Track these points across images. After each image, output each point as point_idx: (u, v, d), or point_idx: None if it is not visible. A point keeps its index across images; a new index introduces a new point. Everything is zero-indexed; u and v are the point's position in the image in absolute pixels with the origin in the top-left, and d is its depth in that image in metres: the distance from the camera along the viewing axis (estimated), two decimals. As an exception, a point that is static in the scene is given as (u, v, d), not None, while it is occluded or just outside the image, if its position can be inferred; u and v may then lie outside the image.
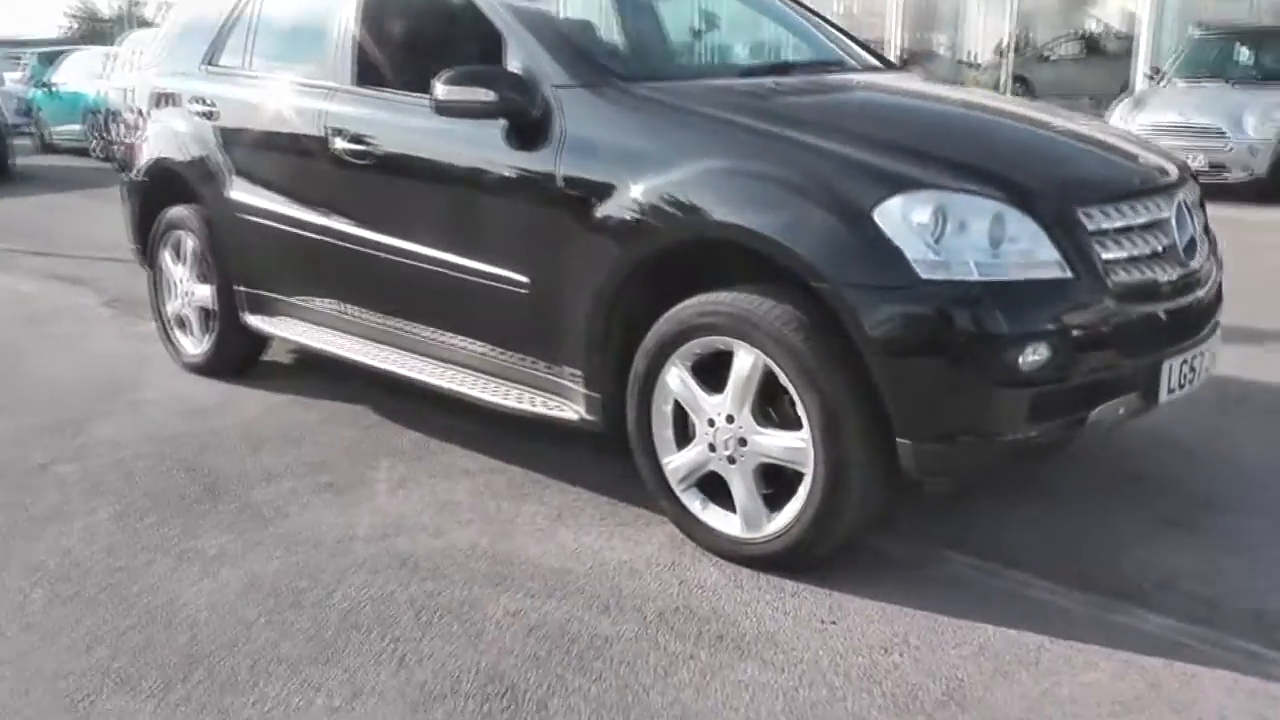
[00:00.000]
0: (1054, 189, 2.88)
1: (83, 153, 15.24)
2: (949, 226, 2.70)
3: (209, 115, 4.57)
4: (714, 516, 3.10)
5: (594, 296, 3.20)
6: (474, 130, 3.42)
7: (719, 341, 2.97)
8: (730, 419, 2.97)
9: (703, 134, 3.10)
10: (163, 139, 4.83)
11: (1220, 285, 3.37)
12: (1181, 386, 3.07)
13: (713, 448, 3.03)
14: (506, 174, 3.39)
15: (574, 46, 3.50)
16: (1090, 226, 2.84)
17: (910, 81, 4.28)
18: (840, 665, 2.59)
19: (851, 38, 4.48)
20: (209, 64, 4.73)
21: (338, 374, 4.46)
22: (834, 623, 2.77)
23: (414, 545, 3.20)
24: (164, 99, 4.89)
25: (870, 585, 2.96)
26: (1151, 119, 10.50)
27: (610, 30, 4.09)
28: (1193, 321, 3.14)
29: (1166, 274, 3.02)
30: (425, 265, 3.68)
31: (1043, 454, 2.90)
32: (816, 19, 4.53)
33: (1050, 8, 20.55)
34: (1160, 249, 3.02)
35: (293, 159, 4.17)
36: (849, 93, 3.74)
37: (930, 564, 3.10)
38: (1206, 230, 3.37)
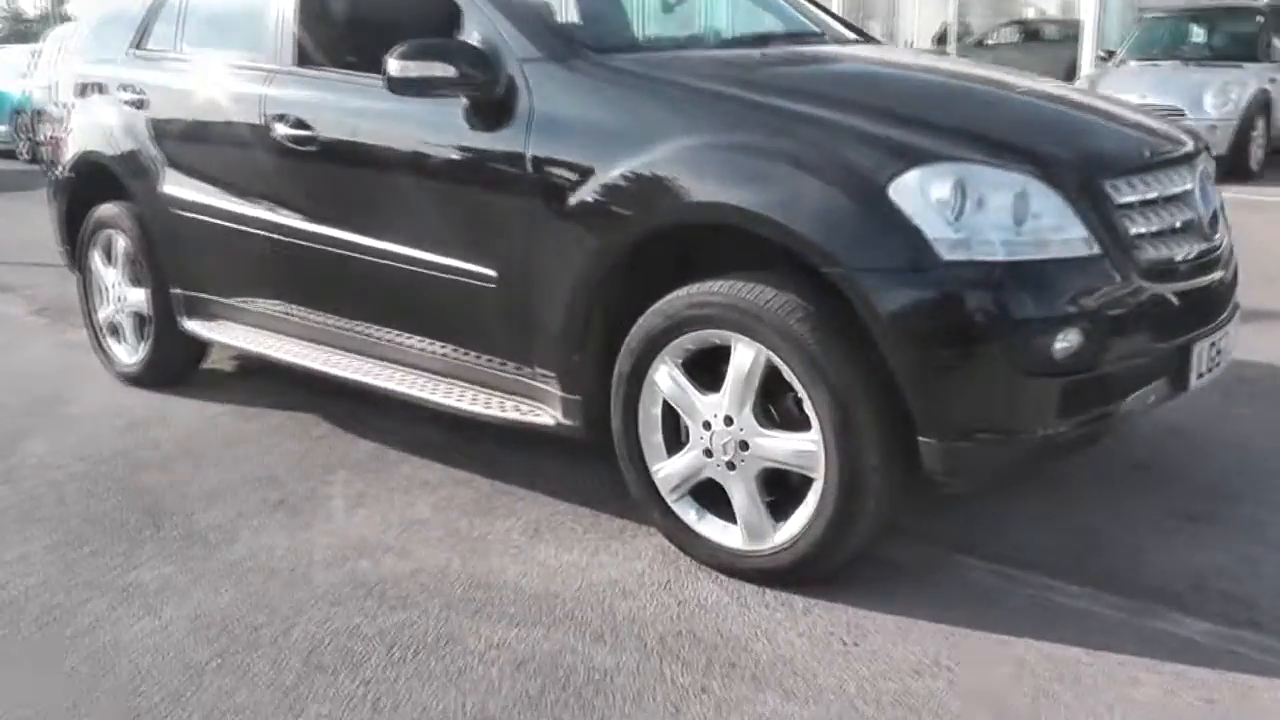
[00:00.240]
0: (1078, 160, 2.64)
1: (9, 155, 14.77)
2: (970, 202, 2.45)
3: (138, 104, 4.22)
4: (712, 528, 2.83)
5: (570, 290, 2.91)
6: (431, 110, 3.12)
7: (714, 336, 2.70)
8: (729, 421, 2.70)
9: (689, 107, 2.81)
10: (89, 131, 4.46)
11: (1237, 263, 3.16)
12: (1209, 370, 2.86)
13: (709, 453, 2.76)
14: (469, 157, 3.09)
15: (539, 17, 3.19)
16: (1117, 200, 2.61)
17: (900, 53, 4.04)
18: (871, 693, 2.32)
19: (825, 10, 4.22)
20: (137, 48, 4.37)
21: (284, 381, 4.12)
22: (855, 644, 2.51)
23: (379, 570, 2.90)
24: (90, 88, 4.52)
25: (884, 598, 2.70)
26: (1108, 100, 10.38)
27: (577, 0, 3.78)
28: (1218, 300, 2.93)
29: (1193, 249, 2.80)
30: (379, 260, 3.37)
31: (1072, 451, 2.66)
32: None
33: (988, -6, 20.65)
34: (1186, 223, 2.80)
35: (231, 148, 3.83)
36: (842, 63, 3.47)
37: (942, 570, 2.86)
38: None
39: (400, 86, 3.01)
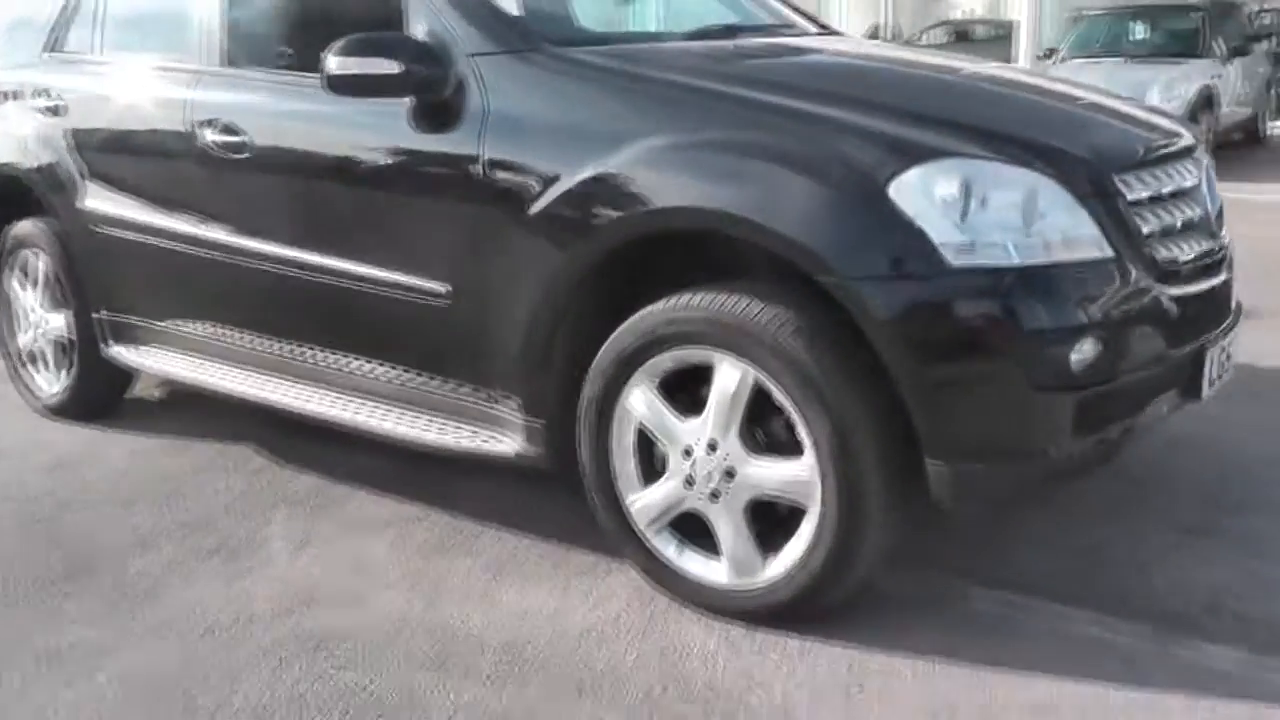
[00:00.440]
0: (1086, 154, 2.44)
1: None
2: (976, 202, 2.23)
3: (55, 111, 3.89)
4: (694, 563, 2.59)
5: (532, 306, 2.66)
6: (374, 112, 2.84)
7: (694, 354, 2.46)
8: (713, 447, 2.46)
9: (664, 103, 2.57)
10: (1, 142, 4.12)
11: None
12: (1220, 377, 2.67)
13: (691, 482, 2.52)
14: (416, 163, 2.82)
15: (490, 7, 2.91)
16: (1129, 196, 2.41)
17: (876, 45, 3.81)
18: (886, 750, 2.10)
19: (787, 3, 4.00)
20: (53, 50, 4.03)
21: (217, 410, 3.80)
22: (860, 689, 2.28)
23: (328, 622, 2.62)
24: (1, 95, 4.18)
25: (885, 635, 2.48)
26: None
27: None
28: (1225, 302, 2.75)
29: (1201, 248, 2.62)
30: (319, 277, 3.08)
31: (1086, 470, 2.45)
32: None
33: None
34: (1195, 220, 2.61)
35: (155, 158, 3.52)
36: (821, 55, 3.24)
37: (944, 601, 2.64)
38: None
39: (340, 85, 2.74)
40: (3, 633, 2.63)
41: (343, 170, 2.98)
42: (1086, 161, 2.40)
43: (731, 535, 2.49)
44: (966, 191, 2.22)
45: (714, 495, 2.49)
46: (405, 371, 3.04)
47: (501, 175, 2.66)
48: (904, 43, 19.04)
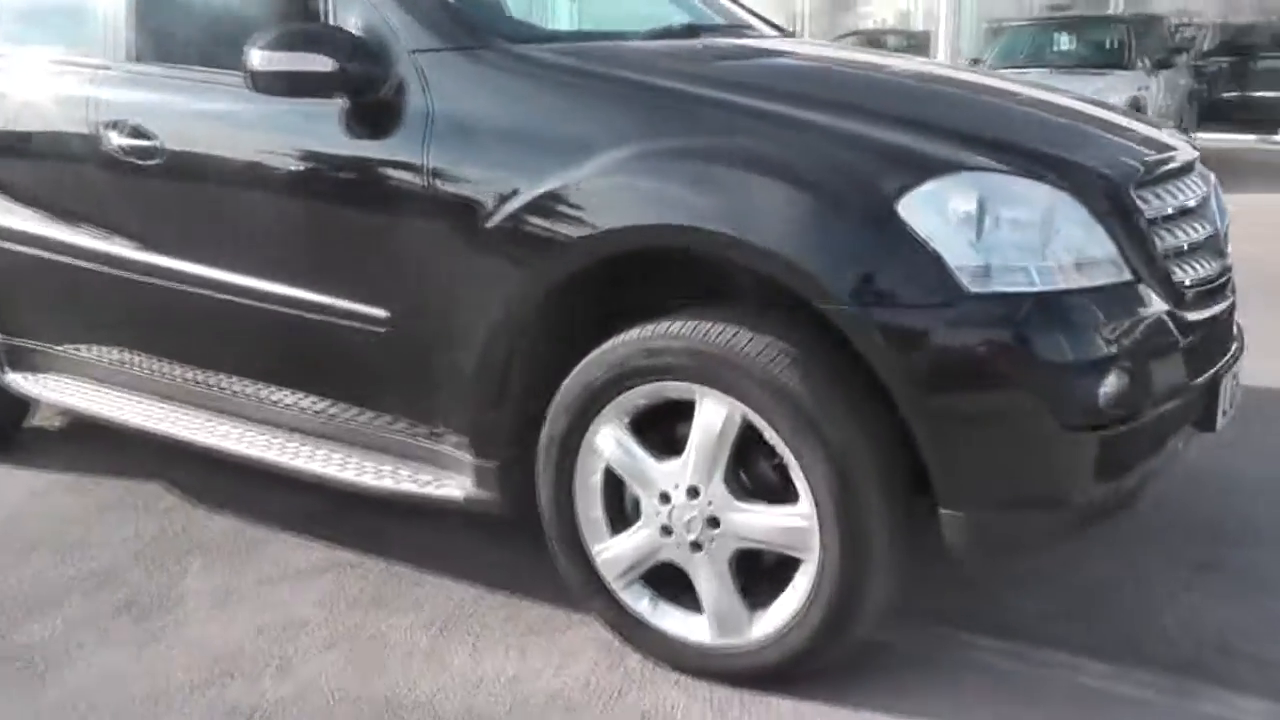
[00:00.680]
0: (1101, 168, 2.22)
1: None
2: (993, 220, 1.99)
3: (-63, 114, 3.49)
4: (672, 620, 2.32)
5: (485, 334, 2.36)
6: (303, 114, 2.53)
7: (672, 389, 2.19)
8: (694, 492, 2.19)
9: (636, 107, 2.28)
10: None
11: None
12: (1232, 405, 2.48)
13: (668, 531, 2.25)
14: (351, 172, 2.51)
15: (434, -1, 2.61)
16: (1148, 213, 2.19)
17: (845, 49, 3.56)
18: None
19: (740, 5, 3.75)
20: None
21: (125, 444, 3.41)
22: (865, 763, 2.03)
23: (256, 693, 2.30)
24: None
25: (885, 693, 2.25)
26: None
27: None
28: (1232, 326, 2.55)
29: (1212, 269, 2.42)
30: (241, 299, 2.75)
31: (1110, 518, 2.22)
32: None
33: (822, 8, 20.78)
34: (1204, 239, 2.41)
35: (55, 164, 3.13)
36: (798, 57, 2.98)
37: (947, 652, 2.42)
38: None
39: (265, 83, 2.42)
40: None
41: (266, 179, 2.65)
42: (1102, 175, 2.18)
43: (715, 589, 2.23)
44: (982, 209, 1.98)
45: (695, 545, 2.22)
46: (338, 406, 2.72)
47: (448, 187, 2.36)
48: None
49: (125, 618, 2.61)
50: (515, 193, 2.27)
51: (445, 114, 2.38)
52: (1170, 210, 2.30)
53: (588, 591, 2.41)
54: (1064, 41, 12.26)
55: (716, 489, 2.17)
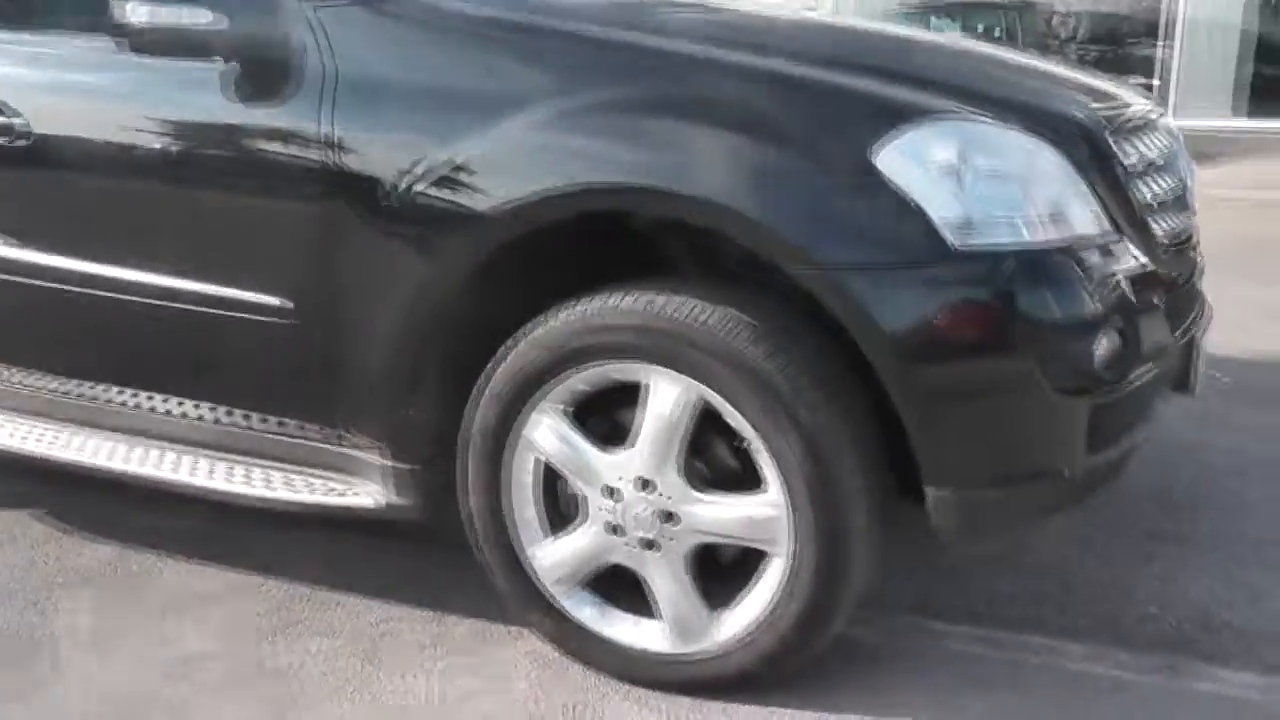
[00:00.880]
0: (1078, 118, 2.06)
1: None
2: (975, 171, 1.82)
3: None
4: (622, 628, 2.09)
5: (396, 321, 2.10)
6: (182, 80, 2.23)
7: (615, 370, 1.96)
8: (645, 484, 1.97)
9: (569, 58, 2.03)
10: None
11: None
12: (1203, 368, 2.35)
13: (617, 529, 2.02)
14: (240, 143, 2.21)
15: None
16: (1127, 164, 2.05)
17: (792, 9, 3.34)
18: None
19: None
20: None
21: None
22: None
23: (152, 743, 2.01)
24: None
25: (860, 691, 2.07)
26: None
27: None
28: (1200, 285, 2.44)
29: (1182, 225, 2.30)
30: (118, 295, 2.40)
31: (1096, 492, 2.07)
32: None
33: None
34: (1174, 193, 2.28)
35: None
36: (751, 9, 2.74)
37: (917, 643, 2.26)
38: None
39: (144, 41, 2.12)
40: None
41: (144, 158, 2.32)
42: (1079, 124, 2.03)
43: (672, 591, 2.01)
44: (963, 159, 1.81)
45: (648, 544, 1.99)
46: (229, 411, 2.43)
47: (351, 157, 2.09)
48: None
49: (-4, 666, 2.28)
50: (427, 161, 2.02)
51: (347, 75, 2.11)
52: (1143, 164, 2.16)
53: (523, 602, 2.18)
54: (949, 27, 12.38)
55: (671, 480, 1.95)
